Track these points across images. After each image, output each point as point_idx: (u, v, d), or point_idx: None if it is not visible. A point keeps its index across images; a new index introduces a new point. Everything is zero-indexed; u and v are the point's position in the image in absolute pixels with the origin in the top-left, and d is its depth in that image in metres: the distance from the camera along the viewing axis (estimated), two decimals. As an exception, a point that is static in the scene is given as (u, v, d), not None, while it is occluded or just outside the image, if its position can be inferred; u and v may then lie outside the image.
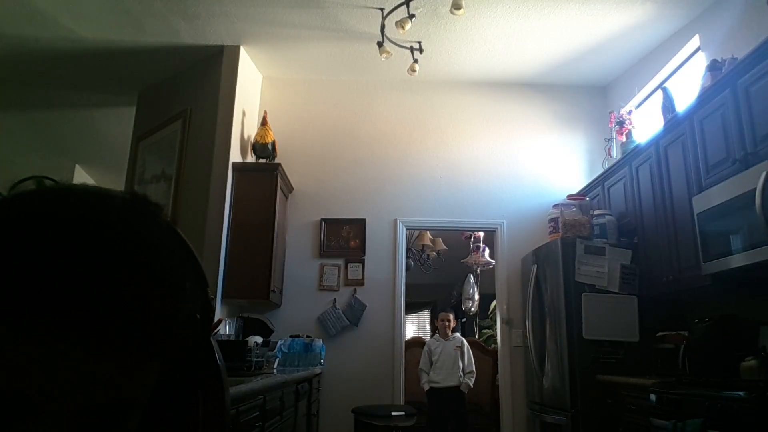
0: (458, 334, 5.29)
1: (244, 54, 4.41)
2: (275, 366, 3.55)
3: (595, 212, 3.94)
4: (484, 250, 6.59)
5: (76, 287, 0.33)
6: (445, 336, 5.08)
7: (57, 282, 0.32)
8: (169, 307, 0.37)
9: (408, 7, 3.56)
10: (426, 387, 4.92)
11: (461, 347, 5.03)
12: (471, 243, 6.72)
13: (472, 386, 5.00)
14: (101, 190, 0.38)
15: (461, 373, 4.93)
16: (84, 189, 0.38)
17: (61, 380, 0.33)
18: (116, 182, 5.79)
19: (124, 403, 0.36)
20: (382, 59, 4.06)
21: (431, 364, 4.99)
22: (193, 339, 0.42)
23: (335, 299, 4.48)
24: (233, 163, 4.14)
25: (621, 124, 4.19)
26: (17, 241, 0.33)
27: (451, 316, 5.16)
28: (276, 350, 3.88)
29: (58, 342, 0.32)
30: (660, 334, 3.34)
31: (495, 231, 4.72)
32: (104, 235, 0.35)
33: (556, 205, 4.17)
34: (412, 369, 5.06)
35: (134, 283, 0.34)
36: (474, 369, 5.03)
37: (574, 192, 4.45)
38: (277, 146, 4.46)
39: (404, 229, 4.73)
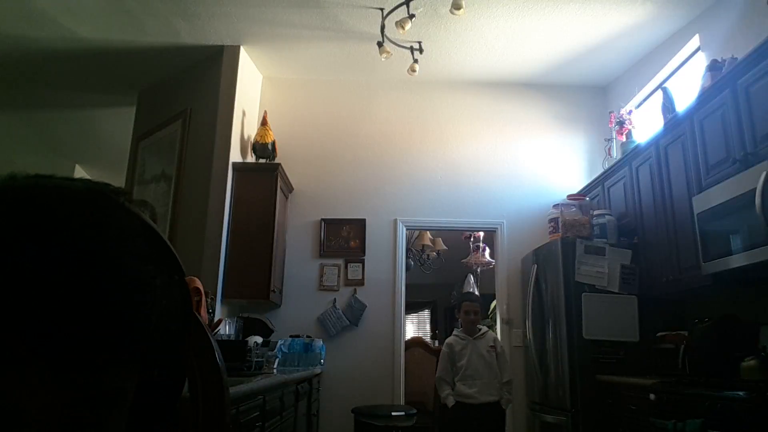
0: (488, 329, 3.92)
1: (244, 54, 4.41)
2: (275, 366, 3.54)
3: (595, 212, 3.94)
4: (484, 250, 6.59)
5: (27, 292, 0.30)
6: (471, 332, 3.72)
7: (4, 288, 0.30)
8: (135, 306, 0.34)
9: (408, 7, 3.56)
10: (450, 401, 3.52)
11: (495, 347, 3.69)
12: (471, 243, 6.72)
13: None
14: (61, 184, 0.35)
15: (498, 384, 3.59)
16: (38, 184, 0.35)
17: (26, 394, 0.31)
18: (116, 182, 5.71)
19: (98, 408, 0.34)
20: (382, 59, 4.06)
21: (456, 371, 3.62)
22: (175, 333, 0.40)
23: (335, 299, 4.48)
24: (233, 163, 4.14)
25: (621, 124, 4.19)
26: None
27: (478, 307, 3.86)
28: (276, 350, 3.88)
29: (10, 355, 0.30)
30: (660, 334, 3.34)
31: (495, 231, 4.72)
32: (58, 235, 0.32)
33: (556, 205, 4.17)
34: (413, 369, 5.03)
35: (90, 283, 0.32)
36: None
37: (574, 192, 4.45)
38: (277, 146, 4.46)
39: (404, 229, 4.73)
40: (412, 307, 9.64)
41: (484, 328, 3.80)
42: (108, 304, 0.33)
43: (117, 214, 0.36)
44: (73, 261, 0.32)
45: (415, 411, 3.94)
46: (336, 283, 4.52)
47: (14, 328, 0.30)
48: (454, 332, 3.82)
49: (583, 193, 4.45)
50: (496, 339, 3.81)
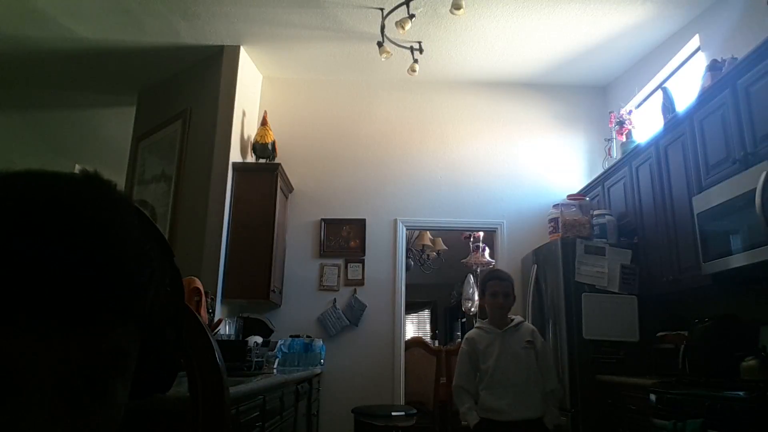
0: (523, 320, 2.91)
1: (244, 54, 4.41)
2: (275, 366, 3.54)
3: (595, 212, 3.94)
4: (484, 250, 6.59)
5: (39, 260, 0.33)
6: (501, 323, 2.74)
7: (18, 259, 0.33)
8: (137, 271, 0.38)
9: (408, 7, 3.56)
10: (472, 419, 2.59)
11: (534, 343, 2.72)
12: (471, 243, 6.72)
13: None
14: (56, 171, 0.39)
15: (540, 394, 2.63)
16: (37, 172, 0.38)
17: (36, 352, 0.33)
18: (116, 182, 5.78)
19: (105, 366, 0.36)
20: (382, 59, 4.06)
21: (481, 376, 2.67)
22: (167, 307, 0.43)
23: (335, 299, 4.48)
24: (233, 163, 4.14)
25: (621, 124, 4.19)
26: None
27: (510, 288, 2.78)
28: (276, 350, 3.88)
29: (27, 316, 0.33)
30: (660, 334, 3.34)
31: (495, 231, 4.72)
32: (63, 209, 0.36)
33: (556, 205, 4.17)
34: (413, 369, 5.04)
35: (94, 248, 0.35)
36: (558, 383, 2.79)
37: (574, 192, 4.45)
38: (277, 146, 4.46)
39: (404, 229, 4.73)
40: (412, 307, 9.65)
41: (519, 318, 2.81)
42: (114, 267, 0.36)
43: (116, 194, 0.41)
44: (87, 228, 0.36)
45: (415, 411, 3.94)
46: (336, 283, 4.52)
47: (39, 284, 0.33)
48: (477, 324, 2.88)
49: (583, 193, 4.45)
50: (534, 332, 2.78)
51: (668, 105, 3.38)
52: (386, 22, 3.80)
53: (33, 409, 0.33)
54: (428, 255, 6.67)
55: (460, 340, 5.45)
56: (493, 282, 2.75)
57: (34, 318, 0.33)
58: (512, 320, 2.76)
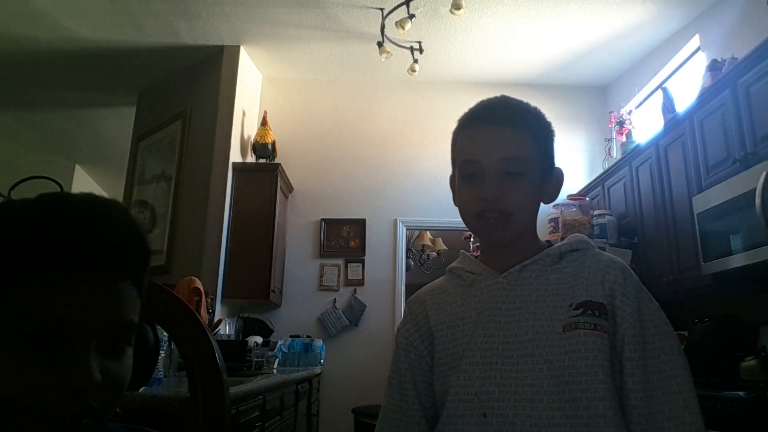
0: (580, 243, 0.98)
1: (244, 54, 4.41)
2: (275, 366, 3.54)
3: (595, 212, 3.94)
4: (484, 250, 6.58)
5: (104, 242, 0.49)
6: (501, 256, 0.92)
7: (87, 239, 0.48)
8: (145, 253, 0.54)
9: (408, 7, 3.56)
10: None
11: (607, 308, 0.84)
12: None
13: None
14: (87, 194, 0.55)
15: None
16: (81, 194, 0.53)
17: (92, 302, 0.47)
18: (116, 182, 5.79)
19: (131, 325, 0.51)
20: (382, 59, 4.06)
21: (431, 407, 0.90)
22: (150, 309, 0.57)
23: (335, 299, 4.48)
24: (233, 163, 4.14)
25: (621, 124, 4.19)
26: (67, 220, 0.48)
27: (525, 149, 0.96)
28: (276, 350, 3.88)
29: (92, 272, 0.48)
30: (660, 334, 3.33)
31: (495, 231, 4.70)
32: (112, 208, 0.52)
33: (556, 205, 4.16)
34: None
35: (130, 237, 0.52)
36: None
37: (574, 192, 4.45)
38: (277, 146, 4.46)
39: (404, 229, 4.73)
40: (412, 307, 9.63)
41: (559, 244, 0.99)
42: (140, 245, 0.53)
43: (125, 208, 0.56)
44: (127, 220, 0.53)
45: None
46: (336, 283, 4.52)
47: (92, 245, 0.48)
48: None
49: (583, 193, 4.45)
50: (614, 276, 1.06)
51: (668, 105, 3.38)
52: (386, 22, 3.80)
53: (81, 361, 0.46)
54: (428, 255, 6.66)
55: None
56: (475, 130, 0.99)
57: (96, 261, 0.48)
58: (539, 247, 0.95)
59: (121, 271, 0.50)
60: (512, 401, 0.78)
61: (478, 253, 0.99)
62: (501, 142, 0.91)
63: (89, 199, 0.52)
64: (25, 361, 0.44)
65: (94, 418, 0.47)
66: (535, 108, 1.02)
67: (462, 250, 1.10)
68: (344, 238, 4.62)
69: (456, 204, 0.96)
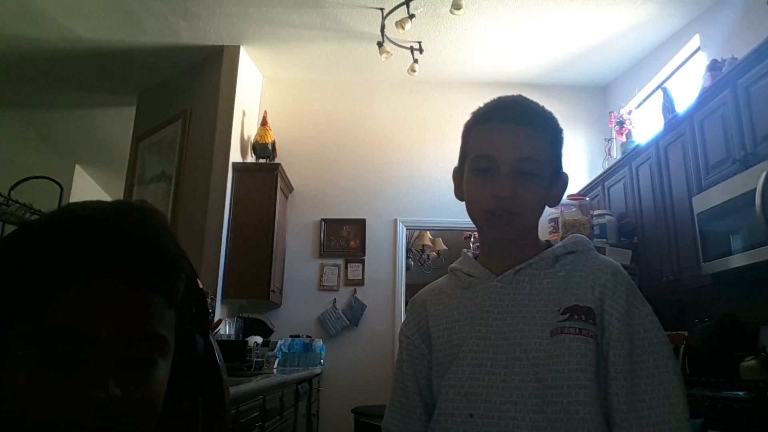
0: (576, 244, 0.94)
1: (244, 54, 4.41)
2: (275, 366, 3.54)
3: (595, 212, 3.94)
4: (484, 250, 6.57)
5: (120, 250, 0.48)
6: (500, 259, 0.93)
7: (109, 247, 0.47)
8: (176, 266, 0.52)
9: (408, 7, 3.56)
10: None
11: (596, 313, 0.83)
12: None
13: None
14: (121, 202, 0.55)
15: None
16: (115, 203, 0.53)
17: (111, 315, 0.46)
18: (116, 182, 5.79)
19: (157, 338, 0.49)
20: (382, 59, 4.06)
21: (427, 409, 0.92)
22: (196, 318, 0.56)
23: (335, 299, 4.48)
24: (233, 163, 4.14)
25: (621, 124, 4.19)
26: (91, 230, 0.48)
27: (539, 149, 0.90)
28: (276, 350, 3.88)
29: (110, 282, 0.46)
30: (660, 334, 3.33)
31: (495, 231, 4.70)
32: (134, 222, 0.51)
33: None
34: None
35: (151, 246, 0.50)
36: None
37: (574, 192, 4.45)
38: (277, 146, 4.46)
39: (404, 229, 4.73)
40: (412, 307, 9.63)
41: (554, 245, 1.02)
42: (166, 254, 0.51)
43: (164, 217, 0.55)
44: (155, 227, 0.52)
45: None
46: (336, 283, 4.52)
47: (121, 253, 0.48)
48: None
49: (583, 193, 4.45)
50: (604, 280, 0.86)
51: (668, 105, 3.38)
52: (386, 22, 3.80)
53: (97, 375, 0.44)
54: (428, 255, 6.66)
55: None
56: (492, 126, 0.97)
57: (113, 271, 0.47)
58: (537, 248, 0.94)
59: (142, 282, 0.48)
60: (498, 403, 0.80)
61: (478, 252, 1.01)
62: (519, 141, 0.89)
63: (107, 206, 0.50)
64: (42, 376, 0.44)
65: None
66: (551, 112, 1.01)
67: (464, 250, 1.09)
68: (344, 238, 4.62)
69: (459, 197, 0.96)
